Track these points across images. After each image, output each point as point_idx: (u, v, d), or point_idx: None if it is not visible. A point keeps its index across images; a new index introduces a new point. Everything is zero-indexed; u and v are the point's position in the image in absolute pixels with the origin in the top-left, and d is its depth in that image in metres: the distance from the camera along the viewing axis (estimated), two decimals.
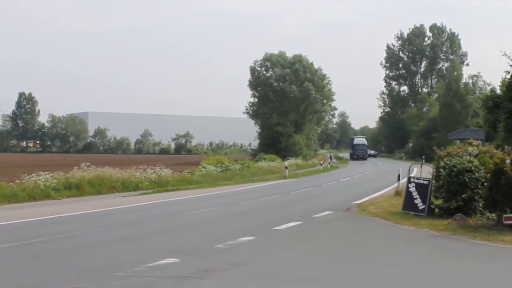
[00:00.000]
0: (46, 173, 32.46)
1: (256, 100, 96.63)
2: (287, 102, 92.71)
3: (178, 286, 10.83)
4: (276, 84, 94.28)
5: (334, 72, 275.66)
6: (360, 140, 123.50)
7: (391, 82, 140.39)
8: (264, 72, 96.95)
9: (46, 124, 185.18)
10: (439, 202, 22.35)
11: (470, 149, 25.17)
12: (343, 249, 15.73)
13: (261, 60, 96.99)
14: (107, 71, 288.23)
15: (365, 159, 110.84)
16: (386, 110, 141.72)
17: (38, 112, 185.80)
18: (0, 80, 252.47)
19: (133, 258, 13.53)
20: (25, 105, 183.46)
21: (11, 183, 30.69)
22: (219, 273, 11.98)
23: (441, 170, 22.25)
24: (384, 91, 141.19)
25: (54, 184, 31.38)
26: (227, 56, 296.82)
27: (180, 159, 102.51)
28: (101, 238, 17.13)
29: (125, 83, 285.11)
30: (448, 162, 21.91)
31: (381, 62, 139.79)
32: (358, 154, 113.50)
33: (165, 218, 22.57)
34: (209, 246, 15.15)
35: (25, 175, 31.70)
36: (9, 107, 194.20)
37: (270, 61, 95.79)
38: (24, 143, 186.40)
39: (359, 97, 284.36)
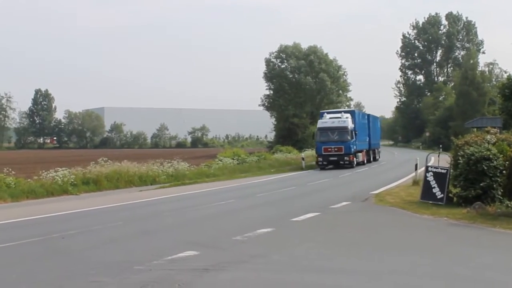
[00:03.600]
0: (63, 168, 32.68)
1: (272, 92, 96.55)
2: (302, 93, 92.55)
3: (197, 279, 10.83)
4: (291, 76, 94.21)
5: (349, 62, 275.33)
6: (335, 119, 53.14)
7: (407, 71, 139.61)
8: (279, 64, 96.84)
9: (63, 120, 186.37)
10: (457, 190, 22.17)
11: (488, 137, 24.99)
12: (362, 239, 15.65)
13: (276, 52, 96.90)
14: (122, 67, 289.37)
15: (349, 165, 50.68)
16: (402, 100, 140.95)
17: (55, 108, 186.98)
18: (16, 77, 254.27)
19: (152, 252, 13.55)
20: (42, 101, 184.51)
21: (29, 179, 30.92)
22: (238, 265, 11.97)
23: (459, 158, 22.10)
24: (400, 80, 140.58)
25: (72, 180, 31.59)
26: (242, 48, 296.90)
27: (197, 152, 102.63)
28: (119, 232, 17.19)
29: (141, 78, 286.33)
30: (466, 150, 21.77)
31: (397, 51, 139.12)
32: (328, 154, 51.22)
33: (183, 211, 22.61)
34: (228, 239, 15.15)
35: (43, 171, 31.94)
36: (26, 104, 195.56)
37: (285, 53, 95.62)
38: (41, 139, 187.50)
39: (374, 87, 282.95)
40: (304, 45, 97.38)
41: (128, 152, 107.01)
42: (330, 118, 53.44)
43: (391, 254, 13.34)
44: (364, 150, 57.78)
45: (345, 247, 14.37)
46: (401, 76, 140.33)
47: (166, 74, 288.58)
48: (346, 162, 50.63)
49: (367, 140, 60.53)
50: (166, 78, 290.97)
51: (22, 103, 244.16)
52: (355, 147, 52.30)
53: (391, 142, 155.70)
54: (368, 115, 67.45)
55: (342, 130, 51.40)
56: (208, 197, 28.35)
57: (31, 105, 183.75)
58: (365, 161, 57.25)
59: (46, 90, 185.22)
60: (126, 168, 35.91)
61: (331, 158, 51.08)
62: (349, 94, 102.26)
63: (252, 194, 29.01)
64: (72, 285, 10.68)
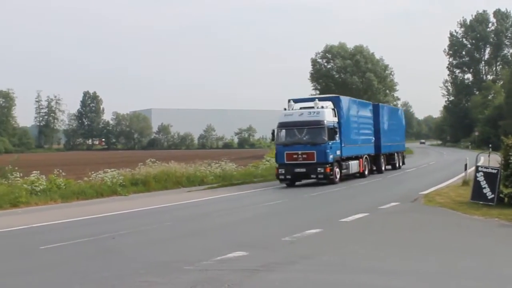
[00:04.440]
0: (112, 170, 33.10)
1: (318, 92, 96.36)
2: (349, 93, 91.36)
3: (246, 279, 10.84)
4: (337, 76, 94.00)
5: (396, 61, 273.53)
6: (305, 110, 35.39)
7: (454, 70, 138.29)
8: (325, 64, 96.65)
9: (111, 122, 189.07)
10: (508, 191, 21.82)
11: None
12: (411, 240, 15.50)
13: (322, 52, 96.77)
14: (169, 68, 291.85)
15: (324, 179, 34.52)
16: (450, 99, 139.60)
17: (103, 110, 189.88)
18: (65, 80, 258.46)
19: (201, 252, 13.61)
20: (90, 103, 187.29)
21: (79, 181, 31.36)
22: (287, 266, 11.95)
23: (510, 158, 21.73)
24: (448, 79, 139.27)
25: (121, 181, 31.93)
26: (288, 49, 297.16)
27: (244, 153, 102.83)
28: (168, 233, 17.32)
29: (187, 80, 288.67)
30: None
31: (445, 49, 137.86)
32: (293, 164, 34.17)
33: (231, 212, 22.68)
34: (277, 239, 15.12)
35: (92, 172, 32.34)
36: (75, 106, 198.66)
37: (331, 52, 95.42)
38: (90, 141, 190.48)
39: (422, 86, 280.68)
40: (350, 45, 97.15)
41: (176, 153, 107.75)
42: (300, 108, 36.16)
43: (441, 255, 13.17)
44: (365, 156, 40.46)
45: (395, 248, 14.25)
46: (448, 75, 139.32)
47: (213, 75, 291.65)
48: (320, 176, 34.41)
49: (372, 140, 42.72)
50: (213, 79, 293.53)
51: (71, 105, 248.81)
52: (338, 151, 35.52)
53: (439, 142, 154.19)
54: (377, 105, 47.15)
55: (314, 126, 34.33)
56: (256, 198, 28.37)
57: (80, 107, 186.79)
58: (367, 172, 40.45)
59: (94, 92, 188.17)
60: (174, 169, 36.14)
61: (298, 170, 34.32)
62: (396, 94, 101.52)
63: (300, 195, 28.95)
64: (123, 284, 10.77)
